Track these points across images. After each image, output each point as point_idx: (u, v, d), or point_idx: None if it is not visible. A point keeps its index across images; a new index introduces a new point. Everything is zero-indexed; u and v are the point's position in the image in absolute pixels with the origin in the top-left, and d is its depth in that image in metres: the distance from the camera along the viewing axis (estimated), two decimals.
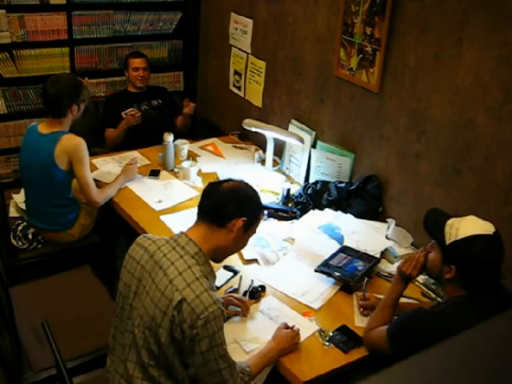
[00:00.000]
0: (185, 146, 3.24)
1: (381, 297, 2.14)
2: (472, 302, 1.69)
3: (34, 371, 2.18)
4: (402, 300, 1.99)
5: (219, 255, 1.78)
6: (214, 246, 1.70)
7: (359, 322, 2.07)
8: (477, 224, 1.73)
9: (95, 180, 3.02)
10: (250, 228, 1.76)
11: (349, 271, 2.24)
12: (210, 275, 1.69)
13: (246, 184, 1.83)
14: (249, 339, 1.94)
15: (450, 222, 1.75)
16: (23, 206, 3.06)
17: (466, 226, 1.71)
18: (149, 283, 1.64)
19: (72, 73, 3.00)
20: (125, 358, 1.69)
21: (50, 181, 2.77)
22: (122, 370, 1.70)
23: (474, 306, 1.67)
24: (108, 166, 3.15)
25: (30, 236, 2.89)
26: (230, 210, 1.71)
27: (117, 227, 3.03)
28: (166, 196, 2.84)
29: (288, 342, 1.87)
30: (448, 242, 1.72)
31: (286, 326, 1.92)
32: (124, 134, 3.52)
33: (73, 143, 2.72)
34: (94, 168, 3.12)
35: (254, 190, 1.82)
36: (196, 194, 2.84)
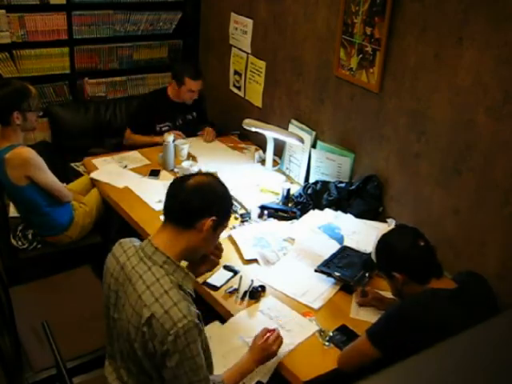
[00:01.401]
0: (185, 145, 3.23)
1: (381, 292, 2.16)
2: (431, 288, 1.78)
3: (34, 371, 2.18)
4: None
5: (191, 256, 1.69)
6: (184, 249, 1.61)
7: (354, 314, 2.09)
8: (380, 234, 1.94)
9: (95, 180, 3.03)
10: (220, 225, 1.66)
11: (349, 271, 2.24)
12: (185, 280, 1.60)
13: (214, 178, 1.71)
14: (252, 336, 1.93)
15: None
16: None
17: (374, 241, 1.93)
18: (123, 296, 1.59)
19: (22, 80, 2.82)
20: (119, 365, 1.68)
21: (21, 200, 2.76)
22: (118, 375, 1.70)
23: (434, 290, 1.76)
24: (108, 166, 3.15)
25: (30, 236, 2.88)
26: (197, 210, 1.60)
27: (117, 227, 3.03)
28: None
29: (261, 354, 1.80)
30: (375, 260, 1.92)
31: (264, 333, 1.84)
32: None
33: (20, 158, 2.61)
34: (94, 168, 3.12)
35: (222, 184, 1.70)
36: None
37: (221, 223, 1.65)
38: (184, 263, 1.68)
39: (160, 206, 2.74)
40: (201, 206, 1.61)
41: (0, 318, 2.19)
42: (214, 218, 1.60)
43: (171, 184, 1.70)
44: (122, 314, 1.59)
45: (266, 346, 1.81)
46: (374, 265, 1.95)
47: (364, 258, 2.25)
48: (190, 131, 3.54)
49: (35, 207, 2.76)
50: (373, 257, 1.93)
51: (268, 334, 1.84)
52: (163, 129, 3.46)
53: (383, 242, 1.88)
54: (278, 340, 1.84)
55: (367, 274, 2.24)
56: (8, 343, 2.17)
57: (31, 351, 2.25)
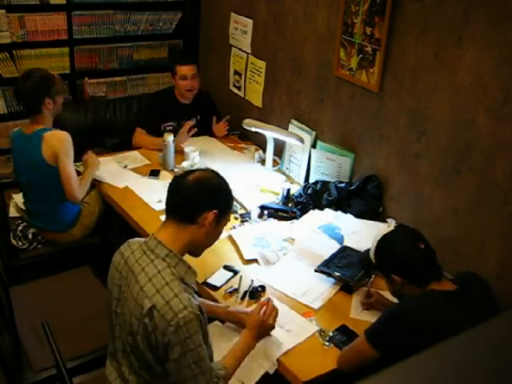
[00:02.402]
0: (195, 153, 3.18)
1: (382, 293, 2.16)
2: (430, 290, 1.77)
3: (33, 371, 2.18)
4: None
5: (194, 251, 1.72)
6: (187, 243, 1.65)
7: (354, 314, 2.09)
8: (378, 234, 1.92)
9: (96, 180, 3.03)
10: (222, 219, 1.69)
11: (349, 271, 2.24)
12: (187, 274, 1.63)
13: (213, 172, 1.74)
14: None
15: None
16: (24, 206, 3.07)
17: (373, 241, 1.90)
18: (126, 290, 1.62)
19: (43, 69, 2.97)
20: (120, 363, 1.69)
21: (46, 179, 2.78)
22: (120, 373, 1.70)
23: (434, 293, 1.75)
24: (108, 166, 3.15)
25: (30, 236, 2.89)
26: (198, 205, 1.64)
27: (116, 227, 3.03)
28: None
29: (259, 329, 1.85)
30: (374, 261, 1.91)
31: (259, 308, 1.89)
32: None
33: (57, 138, 2.73)
34: None
35: (222, 178, 1.73)
36: None
37: (223, 216, 1.69)
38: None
39: (160, 206, 2.74)
40: (201, 200, 1.64)
41: (0, 317, 2.19)
42: (215, 211, 1.64)
43: (172, 180, 1.74)
44: (124, 307, 1.62)
45: (263, 319, 1.85)
46: (373, 264, 1.94)
47: (362, 256, 2.25)
48: (197, 131, 3.54)
49: (57, 192, 2.78)
50: (371, 257, 1.92)
51: (264, 308, 1.88)
52: (167, 128, 3.47)
53: (383, 244, 1.87)
54: (274, 312, 1.89)
55: (362, 273, 2.23)
56: (8, 343, 2.17)
57: (31, 351, 2.25)
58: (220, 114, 3.73)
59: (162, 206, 2.72)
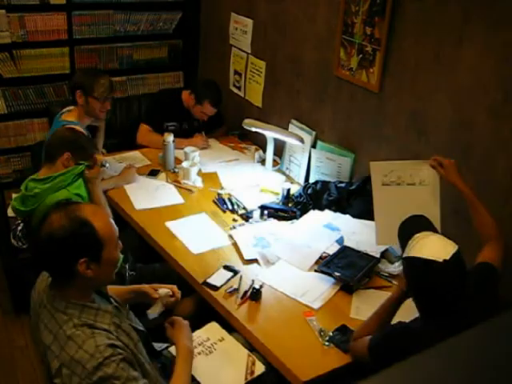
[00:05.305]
0: (195, 153, 3.19)
1: (380, 291, 2.16)
2: (446, 322, 1.60)
3: None
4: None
5: (95, 288, 1.60)
6: (80, 294, 1.52)
7: (354, 314, 2.09)
8: (433, 247, 1.60)
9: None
10: (99, 258, 1.51)
11: (349, 271, 2.24)
12: (99, 316, 1.51)
13: (66, 213, 1.49)
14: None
15: (417, 235, 1.65)
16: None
17: (421, 246, 1.61)
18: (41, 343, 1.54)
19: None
20: None
21: None
22: None
23: (449, 327, 1.58)
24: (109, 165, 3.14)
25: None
26: (63, 262, 1.47)
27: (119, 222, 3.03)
28: (153, 197, 2.83)
29: (186, 338, 1.76)
30: (403, 255, 1.70)
31: (171, 331, 1.78)
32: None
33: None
34: None
35: (75, 221, 1.48)
36: (181, 202, 2.81)
37: (98, 257, 1.51)
38: None
39: (140, 206, 2.72)
40: (62, 256, 1.48)
41: None
42: (85, 258, 1.48)
43: (32, 234, 1.59)
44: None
45: (175, 336, 1.76)
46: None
47: (372, 264, 2.23)
48: (192, 136, 3.54)
49: None
50: (403, 255, 1.69)
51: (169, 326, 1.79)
52: (169, 128, 3.47)
53: (431, 267, 1.57)
54: (177, 324, 1.78)
55: (362, 273, 2.23)
56: None
57: None
58: (222, 117, 3.72)
59: (143, 205, 2.71)
